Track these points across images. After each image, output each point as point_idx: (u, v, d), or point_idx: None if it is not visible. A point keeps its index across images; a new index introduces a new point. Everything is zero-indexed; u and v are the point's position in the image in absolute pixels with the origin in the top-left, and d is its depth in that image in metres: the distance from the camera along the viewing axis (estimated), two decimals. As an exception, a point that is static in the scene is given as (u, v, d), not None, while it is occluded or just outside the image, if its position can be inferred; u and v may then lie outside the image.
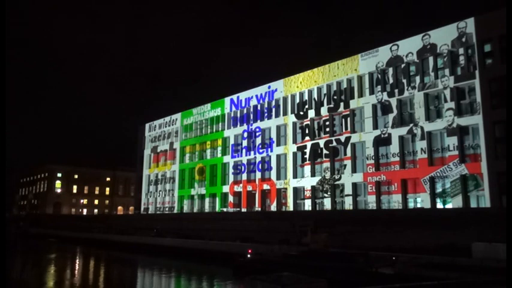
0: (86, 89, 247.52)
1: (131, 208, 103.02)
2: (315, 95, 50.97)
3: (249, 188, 56.80)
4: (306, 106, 51.69)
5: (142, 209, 77.39)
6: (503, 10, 31.40)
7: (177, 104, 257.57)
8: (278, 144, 54.15)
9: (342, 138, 46.95)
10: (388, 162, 42.88)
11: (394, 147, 42.18)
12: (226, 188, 60.29)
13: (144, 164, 78.33)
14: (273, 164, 54.12)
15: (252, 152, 57.22)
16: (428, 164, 39.46)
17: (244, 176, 57.73)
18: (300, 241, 32.38)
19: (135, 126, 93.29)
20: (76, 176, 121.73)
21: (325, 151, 48.50)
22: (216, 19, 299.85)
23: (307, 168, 50.26)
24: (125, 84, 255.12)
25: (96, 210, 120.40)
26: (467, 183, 37.01)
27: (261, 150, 56.08)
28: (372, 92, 45.27)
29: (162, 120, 76.48)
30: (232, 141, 60.76)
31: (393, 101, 42.99)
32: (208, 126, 66.11)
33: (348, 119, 46.88)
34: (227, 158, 61.15)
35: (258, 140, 56.80)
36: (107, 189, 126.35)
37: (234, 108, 61.55)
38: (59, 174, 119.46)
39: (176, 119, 72.81)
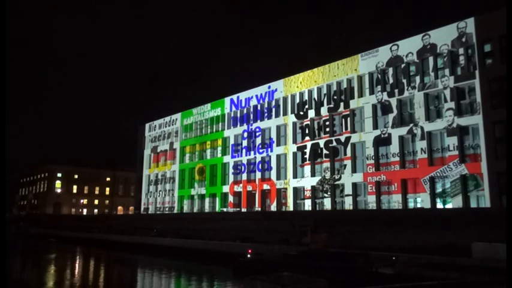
0: (86, 89, 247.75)
1: (131, 208, 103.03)
2: (315, 95, 50.97)
3: (249, 188, 56.80)
4: (306, 106, 51.69)
5: (142, 209, 77.40)
6: (503, 10, 31.40)
7: (177, 104, 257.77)
8: (278, 144, 54.15)
9: (342, 138, 46.95)
10: (388, 162, 42.88)
11: (394, 147, 42.18)
12: (226, 188, 60.29)
13: (144, 164, 78.34)
14: (273, 164, 54.13)
15: (252, 152, 57.22)
16: (428, 164, 39.47)
17: (244, 176, 57.73)
18: (300, 241, 32.38)
19: (135, 126, 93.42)
20: (76, 176, 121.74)
21: (325, 151, 48.50)
22: (216, 19, 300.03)
23: (307, 168, 50.26)
24: (125, 84, 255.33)
25: (96, 210, 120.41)
26: (467, 183, 37.01)
27: (261, 150, 56.09)
28: (372, 92, 45.28)
29: (162, 120, 76.48)
30: (232, 141, 60.76)
31: (393, 101, 42.99)
32: (208, 126, 66.12)
33: (348, 119, 46.88)
34: (227, 158, 61.15)
35: (258, 140, 56.80)
36: (107, 189, 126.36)
37: (234, 108, 61.56)
38: (59, 174, 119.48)
39: (176, 119, 72.81)
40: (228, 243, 38.69)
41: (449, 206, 37.56)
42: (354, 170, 45.44)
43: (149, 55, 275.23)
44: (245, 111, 59.77)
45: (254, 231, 41.92)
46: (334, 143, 47.64)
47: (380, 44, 45.33)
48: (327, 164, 48.15)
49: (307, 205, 49.63)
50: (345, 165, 46.31)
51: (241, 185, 57.89)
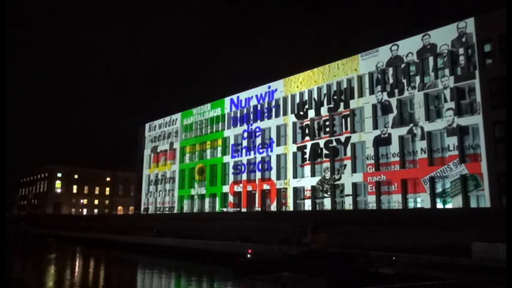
0: (86, 89, 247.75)
1: (131, 208, 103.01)
2: (315, 95, 50.97)
3: (249, 188, 56.80)
4: (306, 106, 51.68)
5: (142, 209, 77.40)
6: (503, 10, 31.40)
7: (177, 104, 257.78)
8: (278, 144, 54.15)
9: (342, 138, 46.95)
10: (388, 162, 42.88)
11: (394, 147, 42.18)
12: (226, 188, 60.29)
13: (144, 164, 78.34)
14: (273, 164, 54.13)
15: (252, 152, 57.22)
16: (428, 164, 39.47)
17: (244, 176, 57.73)
18: (300, 241, 32.37)
19: (135, 126, 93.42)
20: (76, 176, 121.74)
21: (325, 151, 48.50)
22: (216, 19, 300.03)
23: (307, 168, 50.26)
24: (125, 84, 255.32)
25: (96, 210, 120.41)
26: (467, 183, 37.01)
27: (261, 150, 56.09)
28: (372, 92, 45.27)
29: (162, 120, 76.49)
30: (232, 141, 60.76)
31: (393, 101, 42.99)
32: (208, 126, 66.12)
33: (348, 119, 46.88)
34: (227, 158, 61.15)
35: (258, 140, 56.80)
36: (107, 189, 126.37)
37: (234, 108, 61.56)
38: (59, 174, 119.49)
39: (176, 119, 72.81)
40: (228, 243, 38.69)
41: (449, 206, 37.56)
42: (354, 170, 45.44)
43: (149, 55, 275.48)
44: (245, 111, 59.77)
45: (254, 231, 41.91)
46: (334, 143, 47.64)
47: (380, 44, 45.37)
48: (327, 164, 48.15)
49: (307, 205, 49.62)
50: (345, 165, 46.31)
51: (241, 185, 57.89)
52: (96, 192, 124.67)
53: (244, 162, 58.17)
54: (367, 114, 45.05)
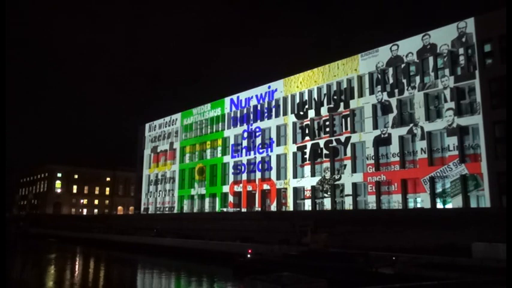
0: (86, 89, 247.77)
1: (131, 208, 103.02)
2: (315, 95, 50.97)
3: (249, 188, 56.80)
4: (306, 106, 51.68)
5: (142, 209, 77.39)
6: (503, 10, 31.40)
7: (177, 104, 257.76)
8: (278, 144, 54.15)
9: (342, 138, 46.95)
10: (388, 162, 42.88)
11: (394, 147, 42.18)
12: (226, 188, 60.29)
13: (144, 164, 78.34)
14: (273, 164, 54.13)
15: (252, 152, 57.22)
16: (428, 164, 39.46)
17: (244, 176, 57.73)
18: (300, 241, 32.36)
19: (135, 126, 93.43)
20: (76, 176, 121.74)
21: (325, 151, 48.50)
22: (216, 19, 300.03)
23: (307, 168, 50.26)
24: (125, 84, 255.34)
25: (96, 210, 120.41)
26: (467, 183, 37.01)
27: (261, 150, 56.09)
28: (372, 92, 45.27)
29: (162, 120, 76.49)
30: (232, 141, 60.76)
31: (393, 101, 42.99)
32: (208, 126, 66.11)
33: (348, 119, 46.88)
34: (227, 158, 61.15)
35: (258, 140, 56.80)
36: (107, 189, 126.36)
37: (234, 108, 61.56)
38: (59, 174, 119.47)
39: (176, 119, 72.81)
40: (228, 243, 38.69)
41: (449, 206, 37.56)
42: (354, 170, 45.43)
43: (149, 55, 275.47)
44: (245, 111, 59.77)
45: (254, 231, 41.91)
46: (334, 143, 47.64)
47: (380, 44, 45.37)
48: (327, 164, 48.15)
49: (307, 205, 49.62)
50: (345, 165, 46.31)
51: (241, 185, 57.89)
52: (96, 192, 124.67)
53: (244, 162, 58.17)
54: (367, 114, 45.05)
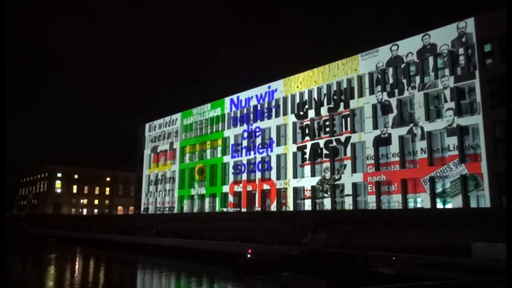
0: (86, 89, 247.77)
1: (131, 208, 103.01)
2: (315, 95, 50.97)
3: (249, 188, 56.80)
4: (306, 106, 51.68)
5: (142, 209, 77.39)
6: (503, 10, 31.40)
7: (177, 104, 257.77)
8: (278, 144, 54.15)
9: (342, 138, 46.95)
10: (388, 162, 42.88)
11: (394, 147, 42.18)
12: (226, 188, 60.29)
13: (144, 164, 78.34)
14: (273, 164, 54.12)
15: (252, 152, 57.22)
16: (428, 164, 39.46)
17: (244, 176, 57.73)
18: (300, 241, 32.36)
19: (135, 126, 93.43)
20: (76, 176, 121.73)
21: (325, 151, 48.49)
22: (216, 19, 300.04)
23: (307, 168, 50.26)
24: (125, 84, 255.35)
25: (96, 210, 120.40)
26: (467, 183, 37.00)
27: (261, 150, 56.08)
28: (372, 92, 45.27)
29: (162, 120, 76.49)
30: (232, 141, 60.76)
31: (393, 101, 42.99)
32: (208, 126, 66.12)
33: (348, 119, 46.88)
34: (227, 158, 61.15)
35: (258, 140, 56.80)
36: (107, 189, 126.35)
37: (234, 108, 61.56)
38: (59, 174, 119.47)
39: (176, 119, 72.81)
40: (228, 243, 38.69)
41: (449, 206, 37.55)
42: (354, 170, 45.43)
43: (149, 55, 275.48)
44: (245, 111, 59.77)
45: (254, 231, 41.91)
46: (334, 143, 47.64)
47: (380, 44, 45.36)
48: (327, 164, 48.15)
49: (307, 205, 49.62)
50: (345, 165, 46.31)
51: (241, 185, 57.89)
52: (96, 192, 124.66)
53: (244, 162, 58.18)
54: (367, 114, 45.04)
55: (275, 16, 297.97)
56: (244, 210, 55.77)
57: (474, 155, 37.08)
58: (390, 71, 43.85)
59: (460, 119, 37.80)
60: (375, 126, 44.21)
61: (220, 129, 63.64)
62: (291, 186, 51.57)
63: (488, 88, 36.08)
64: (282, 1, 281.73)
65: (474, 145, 37.13)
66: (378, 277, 21.60)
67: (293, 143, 52.23)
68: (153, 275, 32.88)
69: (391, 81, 43.73)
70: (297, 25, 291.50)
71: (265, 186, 54.60)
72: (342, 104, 47.76)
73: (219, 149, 62.91)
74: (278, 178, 53.30)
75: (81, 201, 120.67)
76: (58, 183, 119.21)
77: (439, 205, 38.30)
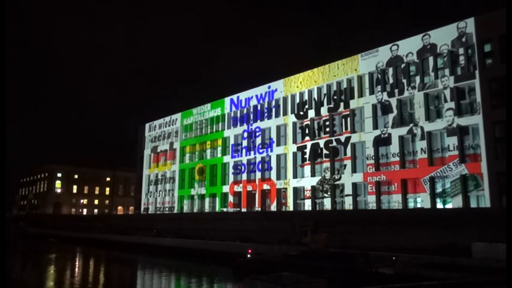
0: (86, 89, 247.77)
1: (131, 208, 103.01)
2: (315, 95, 50.97)
3: (249, 188, 56.80)
4: (306, 106, 51.68)
5: (142, 209, 77.39)
6: (503, 10, 31.40)
7: (177, 104, 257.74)
8: (278, 144, 54.15)
9: (342, 138, 46.95)
10: (388, 162, 42.88)
11: (394, 147, 42.17)
12: (226, 188, 60.28)
13: (144, 164, 78.34)
14: (273, 164, 54.12)
15: (252, 152, 57.22)
16: (428, 164, 39.46)
17: (244, 176, 57.72)
18: (300, 241, 32.36)
19: (135, 126, 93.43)
20: (76, 176, 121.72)
21: (325, 151, 48.49)
22: (216, 19, 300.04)
23: (307, 168, 50.26)
24: (125, 84, 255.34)
25: (96, 210, 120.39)
26: (467, 183, 37.00)
27: (261, 150, 56.08)
28: (372, 92, 45.27)
29: (162, 120, 76.49)
30: (232, 141, 60.75)
31: (393, 101, 42.99)
32: (208, 126, 66.12)
33: (348, 119, 46.88)
34: (227, 158, 61.15)
35: (258, 140, 56.79)
36: (107, 189, 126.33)
37: (234, 108, 61.56)
38: (59, 174, 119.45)
39: (176, 119, 72.81)
40: (228, 243, 38.69)
41: (449, 206, 37.55)
42: (354, 170, 45.43)
43: (149, 55, 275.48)
44: (245, 111, 59.77)
45: (254, 231, 41.91)
46: (334, 143, 47.63)
47: (380, 44, 45.36)
48: (327, 164, 48.15)
49: (307, 205, 49.62)
50: (345, 165, 46.31)
51: (241, 185, 57.88)
52: (96, 192, 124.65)
53: (244, 162, 58.17)
54: (367, 114, 45.04)
55: (275, 16, 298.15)
56: (244, 210, 55.77)
57: (474, 155, 37.08)
58: (390, 71, 43.85)
59: (460, 119, 37.80)
60: (375, 126, 44.21)
61: (220, 129, 63.64)
62: (291, 186, 51.57)
63: (488, 88, 36.08)
64: (282, 1, 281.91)
65: (474, 145, 37.13)
66: (378, 277, 21.60)
67: (293, 143, 52.23)
68: (153, 275, 32.88)
69: (391, 81, 43.73)
70: (297, 25, 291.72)
71: (265, 186, 54.60)
72: (342, 104, 47.75)
73: (219, 149, 62.91)
74: (278, 178, 53.30)
75: (81, 201, 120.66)
76: (58, 183, 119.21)
77: (439, 205, 38.30)
